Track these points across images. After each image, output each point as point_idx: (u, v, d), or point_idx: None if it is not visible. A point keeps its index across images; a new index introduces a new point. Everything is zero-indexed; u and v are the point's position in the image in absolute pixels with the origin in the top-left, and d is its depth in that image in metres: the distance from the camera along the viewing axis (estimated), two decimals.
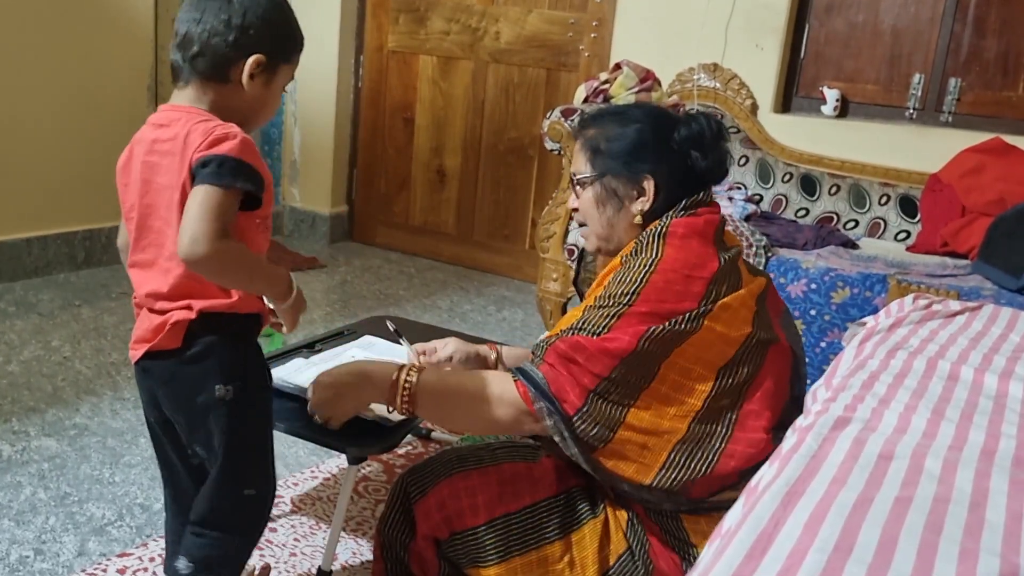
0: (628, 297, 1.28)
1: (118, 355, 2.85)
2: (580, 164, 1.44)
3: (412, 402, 1.34)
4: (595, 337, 1.26)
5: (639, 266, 1.30)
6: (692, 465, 1.28)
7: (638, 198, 1.39)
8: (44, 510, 1.99)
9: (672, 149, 1.38)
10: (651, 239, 1.34)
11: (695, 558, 1.32)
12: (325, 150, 4.50)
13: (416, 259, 4.42)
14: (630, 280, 1.30)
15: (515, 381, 1.30)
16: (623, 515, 1.37)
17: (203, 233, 1.23)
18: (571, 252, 3.10)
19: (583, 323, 1.29)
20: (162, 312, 1.33)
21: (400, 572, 1.45)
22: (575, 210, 1.47)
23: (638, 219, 1.40)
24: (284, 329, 1.50)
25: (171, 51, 1.41)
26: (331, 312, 3.53)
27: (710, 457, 1.28)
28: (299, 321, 1.46)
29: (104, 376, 2.71)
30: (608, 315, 1.27)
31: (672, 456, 1.28)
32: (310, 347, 1.83)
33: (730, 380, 1.30)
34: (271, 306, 1.43)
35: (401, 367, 1.37)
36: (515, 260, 4.20)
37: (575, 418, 1.27)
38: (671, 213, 1.37)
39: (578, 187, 1.44)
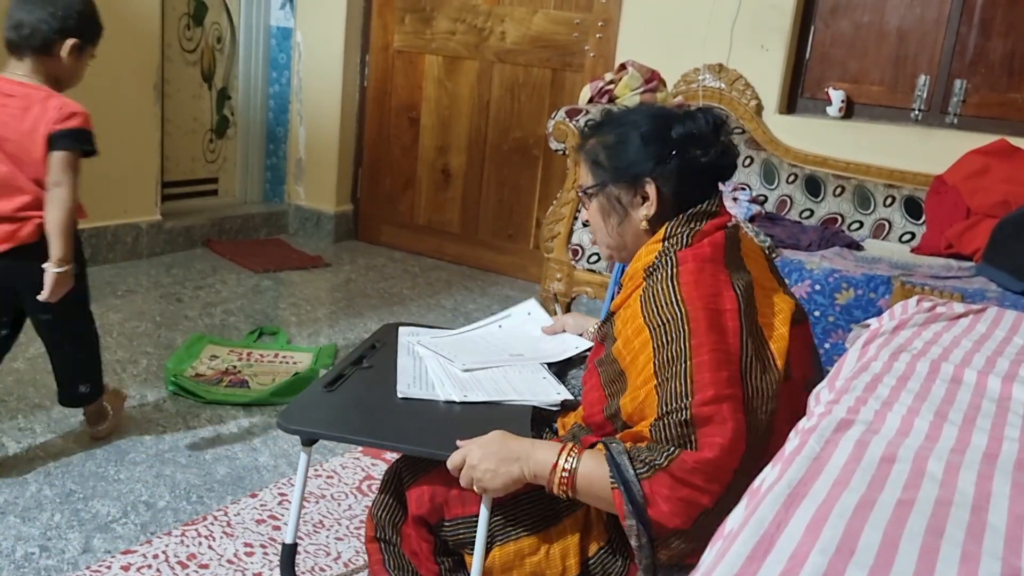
0: (684, 352, 1.21)
1: (123, 352, 2.85)
2: (584, 176, 1.43)
3: (571, 486, 1.25)
4: (694, 431, 1.17)
5: (670, 317, 1.24)
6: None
7: (642, 204, 1.37)
8: (49, 507, 2.00)
9: (670, 149, 1.35)
10: (664, 282, 1.28)
11: None
12: (330, 149, 4.51)
13: (420, 258, 4.43)
14: (673, 333, 1.23)
15: (612, 489, 1.20)
16: None
17: (69, 183, 1.94)
18: (575, 252, 3.10)
19: (666, 402, 1.20)
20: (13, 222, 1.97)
21: (392, 553, 1.48)
22: (587, 223, 1.47)
23: (644, 225, 1.37)
24: (43, 293, 1.95)
25: (6, 32, 1.95)
26: (335, 311, 3.54)
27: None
28: (56, 294, 1.95)
29: (110, 374, 2.71)
30: (681, 380, 1.20)
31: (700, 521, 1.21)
32: (357, 363, 1.75)
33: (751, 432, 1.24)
34: (47, 267, 1.94)
35: (562, 448, 1.26)
36: (519, 260, 4.21)
37: (676, 531, 1.19)
38: (670, 229, 1.34)
39: (585, 199, 1.43)
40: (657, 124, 1.37)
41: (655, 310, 1.26)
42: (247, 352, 2.95)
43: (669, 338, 1.23)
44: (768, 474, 0.96)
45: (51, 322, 2.09)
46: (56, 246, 1.93)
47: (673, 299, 1.25)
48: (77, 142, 1.94)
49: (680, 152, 1.34)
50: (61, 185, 1.94)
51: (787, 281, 1.48)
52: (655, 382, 1.23)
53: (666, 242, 1.34)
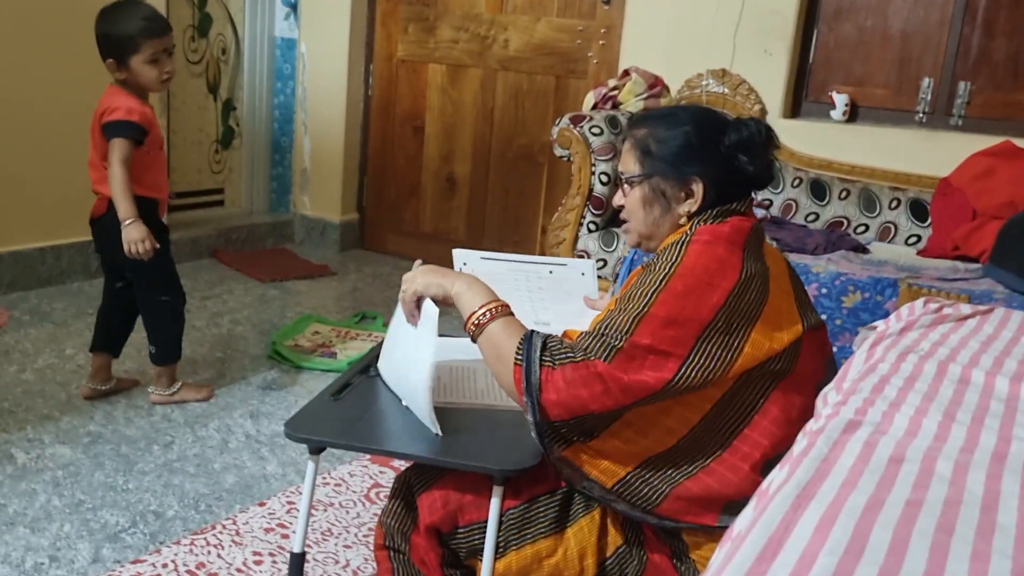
0: (647, 298, 1.28)
1: (131, 363, 2.86)
2: (629, 163, 1.45)
3: (478, 334, 1.34)
4: (615, 357, 1.24)
5: (659, 270, 1.31)
6: (665, 474, 1.29)
7: (686, 199, 1.40)
8: (59, 517, 2.00)
9: (720, 152, 1.39)
10: (675, 246, 1.35)
11: (683, 552, 1.34)
12: (335, 158, 4.52)
13: None
14: (650, 282, 1.30)
15: (515, 364, 1.27)
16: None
17: (113, 162, 2.38)
18: (580, 258, 3.10)
19: (606, 327, 1.28)
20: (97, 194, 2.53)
21: (401, 562, 1.48)
22: (621, 207, 1.49)
23: (683, 220, 1.41)
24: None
25: None
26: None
27: (688, 470, 1.29)
28: (130, 250, 2.36)
29: None
30: (629, 318, 1.27)
31: (646, 463, 1.29)
32: (363, 371, 1.73)
33: (730, 408, 1.30)
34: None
35: (490, 300, 1.36)
36: None
37: (556, 424, 1.27)
38: (698, 220, 1.38)
39: (626, 185, 1.46)
40: (711, 126, 1.41)
41: (655, 260, 1.35)
42: (346, 331, 3.31)
43: (646, 281, 1.30)
44: (776, 475, 0.96)
45: (133, 280, 2.56)
46: (118, 208, 2.40)
47: (674, 258, 1.32)
48: (115, 131, 2.37)
49: (731, 156, 1.38)
50: (110, 165, 2.39)
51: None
52: (613, 307, 1.31)
53: (691, 228, 1.38)
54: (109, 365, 2.65)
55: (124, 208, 2.37)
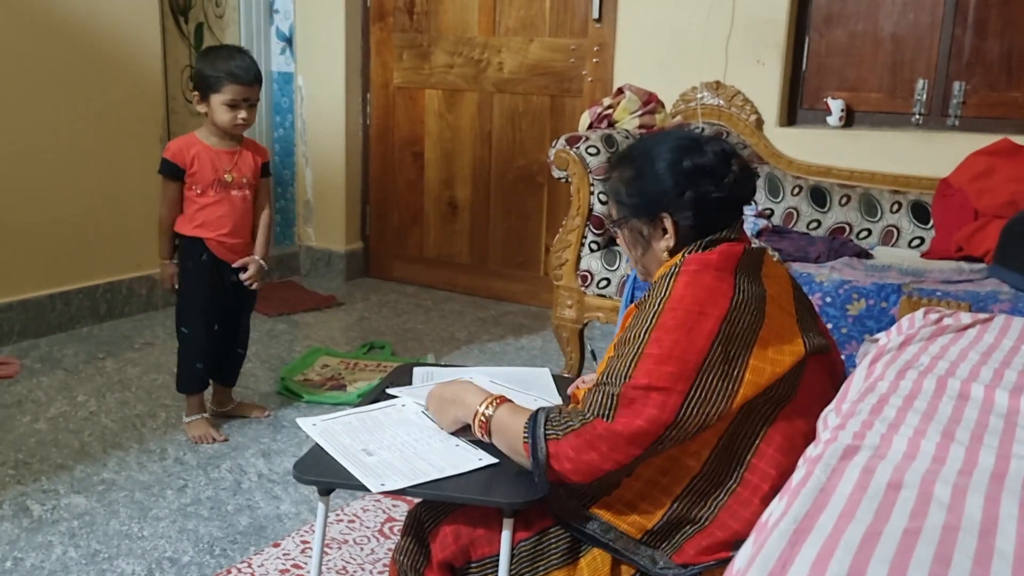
0: (641, 338, 1.29)
1: (143, 407, 2.88)
2: (611, 208, 1.50)
3: (487, 432, 1.40)
4: (615, 408, 1.25)
5: (650, 307, 1.32)
6: (692, 520, 1.30)
7: (662, 237, 1.42)
8: (76, 569, 2.01)
9: (682, 184, 1.38)
10: (664, 279, 1.35)
11: None
12: (337, 188, 4.54)
13: (432, 292, 4.44)
14: (642, 320, 1.31)
15: (524, 442, 1.31)
16: None
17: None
18: (584, 278, 3.11)
19: (607, 375, 1.29)
20: None
21: None
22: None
23: (665, 255, 1.42)
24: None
25: None
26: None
27: (708, 513, 1.30)
28: (165, 286, 2.67)
29: (130, 429, 2.74)
30: (626, 362, 1.28)
31: (670, 512, 1.30)
32: (374, 402, 1.73)
33: (736, 438, 1.30)
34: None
35: (485, 398, 1.42)
36: (531, 287, 4.22)
37: (579, 486, 1.31)
38: (685, 251, 1.38)
39: (614, 229, 1.51)
40: (671, 158, 1.40)
41: (647, 295, 1.37)
42: (354, 362, 3.33)
43: (639, 322, 1.32)
44: (775, 507, 0.96)
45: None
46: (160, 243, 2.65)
47: (663, 293, 1.33)
48: (160, 168, 2.61)
49: (692, 187, 1.37)
50: None
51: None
52: (611, 353, 1.34)
53: (680, 259, 1.38)
54: (225, 393, 2.88)
55: (159, 246, 2.64)
